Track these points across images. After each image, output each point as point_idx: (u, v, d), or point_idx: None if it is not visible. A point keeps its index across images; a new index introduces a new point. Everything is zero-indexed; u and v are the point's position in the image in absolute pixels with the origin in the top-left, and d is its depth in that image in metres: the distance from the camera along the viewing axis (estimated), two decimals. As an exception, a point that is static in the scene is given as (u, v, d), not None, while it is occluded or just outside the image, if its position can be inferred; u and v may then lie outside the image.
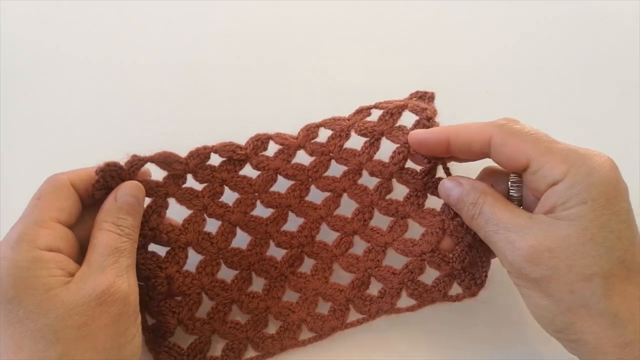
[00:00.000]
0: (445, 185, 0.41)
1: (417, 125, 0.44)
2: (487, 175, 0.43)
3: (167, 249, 0.41)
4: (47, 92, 0.51)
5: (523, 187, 0.39)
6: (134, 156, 0.39)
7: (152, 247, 0.40)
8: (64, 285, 0.33)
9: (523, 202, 0.40)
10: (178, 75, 0.52)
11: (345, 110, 0.46)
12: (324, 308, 0.44)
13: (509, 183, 0.40)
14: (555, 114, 0.53)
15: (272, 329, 0.43)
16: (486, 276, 0.42)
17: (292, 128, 0.45)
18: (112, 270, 0.35)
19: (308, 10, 0.54)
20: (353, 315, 0.44)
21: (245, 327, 0.42)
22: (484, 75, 0.48)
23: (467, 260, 0.42)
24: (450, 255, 0.43)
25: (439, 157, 0.43)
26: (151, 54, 0.52)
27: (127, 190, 0.38)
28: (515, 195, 0.40)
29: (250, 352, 0.43)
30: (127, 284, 0.35)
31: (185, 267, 0.41)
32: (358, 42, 0.48)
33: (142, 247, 0.39)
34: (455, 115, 0.43)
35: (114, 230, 0.36)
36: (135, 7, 0.54)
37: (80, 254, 0.37)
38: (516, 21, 0.55)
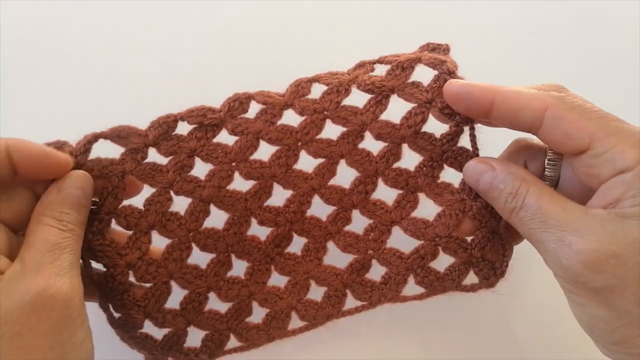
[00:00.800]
0: (474, 167, 0.35)
1: (437, 80, 0.36)
2: (520, 150, 0.36)
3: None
4: (47, 92, 0.49)
5: (561, 167, 0.33)
6: (85, 135, 0.34)
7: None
8: None
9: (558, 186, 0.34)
10: (178, 75, 0.50)
11: None
12: (316, 294, 0.39)
13: (546, 160, 0.34)
14: None
15: (257, 317, 0.38)
16: (507, 266, 0.36)
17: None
18: (51, 269, 0.30)
19: (308, 10, 0.53)
20: (350, 302, 0.39)
21: (225, 317, 0.37)
22: (484, 75, 0.39)
23: (488, 248, 0.36)
24: (469, 241, 0.36)
25: (472, 119, 0.35)
26: (151, 54, 0.51)
27: (73, 181, 0.33)
28: (550, 175, 0.34)
29: (235, 342, 0.38)
30: (70, 284, 0.30)
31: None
32: (358, 42, 0.44)
33: (98, 233, 0.34)
34: None
35: (55, 225, 0.31)
36: (135, 7, 0.52)
37: (9, 244, 0.32)
38: (516, 21, 0.54)
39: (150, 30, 0.52)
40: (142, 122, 0.40)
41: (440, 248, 0.37)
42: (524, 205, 0.32)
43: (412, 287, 0.38)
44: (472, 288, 0.37)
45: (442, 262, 0.38)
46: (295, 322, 0.39)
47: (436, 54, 0.37)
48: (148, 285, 0.36)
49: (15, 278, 0.29)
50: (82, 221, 0.33)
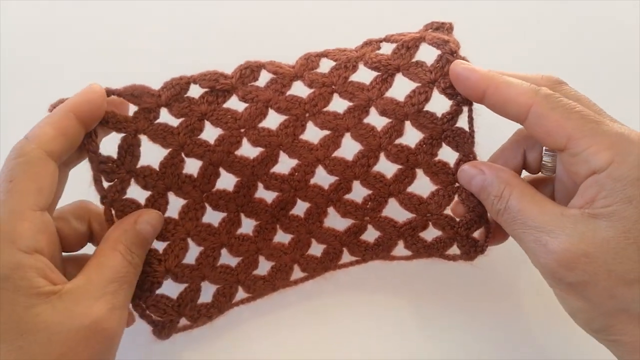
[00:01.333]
0: (467, 171, 0.38)
1: (439, 60, 0.37)
2: (520, 140, 0.38)
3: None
4: (47, 92, 0.46)
5: (557, 156, 0.36)
6: (106, 89, 0.35)
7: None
8: (47, 300, 0.29)
9: (557, 176, 0.36)
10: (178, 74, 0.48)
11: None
12: (316, 251, 0.43)
13: (544, 149, 0.37)
14: None
15: (262, 270, 0.42)
16: (487, 246, 0.40)
17: None
18: (110, 301, 0.31)
19: (308, 10, 0.54)
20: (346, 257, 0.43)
21: (236, 270, 0.41)
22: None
23: (473, 229, 0.39)
24: (458, 220, 0.40)
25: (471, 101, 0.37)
26: (151, 54, 0.52)
27: (148, 217, 0.35)
28: (548, 163, 0.36)
29: (241, 296, 0.43)
30: (118, 322, 0.31)
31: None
32: (359, 42, 0.40)
33: (119, 194, 0.37)
34: None
35: (126, 257, 0.33)
36: (136, 7, 0.53)
37: (58, 245, 0.33)
38: (516, 21, 0.55)
39: (150, 31, 0.53)
40: None
41: (430, 223, 0.40)
42: (507, 207, 0.34)
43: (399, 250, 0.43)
44: (454, 258, 0.41)
45: (430, 231, 0.41)
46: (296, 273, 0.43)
47: (440, 33, 0.37)
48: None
49: (76, 296, 0.30)
50: (143, 259, 0.35)
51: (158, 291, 0.38)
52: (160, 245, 0.38)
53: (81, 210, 0.37)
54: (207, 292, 0.41)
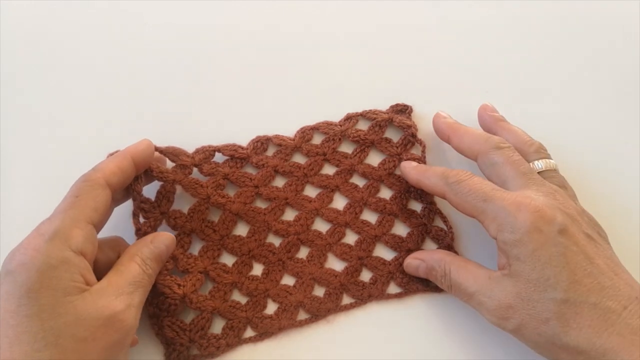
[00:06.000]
0: (411, 264, 0.46)
1: (403, 140, 0.51)
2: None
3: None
4: (48, 92, 0.52)
5: None
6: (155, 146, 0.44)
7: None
8: (80, 293, 0.34)
9: None
10: (179, 76, 0.53)
11: (345, 109, 0.52)
12: (319, 293, 0.47)
13: None
14: (556, 114, 0.53)
15: (270, 310, 0.46)
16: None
17: (294, 128, 0.51)
18: (127, 299, 0.36)
19: (309, 10, 0.56)
20: (346, 300, 0.47)
21: (245, 307, 0.45)
22: (484, 75, 0.49)
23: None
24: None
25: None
26: (152, 55, 0.53)
27: (163, 239, 0.41)
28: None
29: (249, 334, 0.45)
30: (134, 318, 0.36)
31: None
32: (359, 42, 0.50)
33: (151, 229, 0.44)
34: (455, 115, 0.48)
35: (141, 266, 0.38)
36: (136, 7, 0.55)
37: (94, 257, 0.38)
38: (517, 21, 0.56)
39: (150, 31, 0.54)
40: (142, 122, 0.49)
41: None
42: (451, 284, 0.43)
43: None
44: (436, 289, 0.47)
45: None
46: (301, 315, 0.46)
47: (404, 116, 0.52)
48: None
49: (100, 293, 0.35)
50: (157, 271, 0.41)
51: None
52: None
53: (114, 243, 0.42)
54: (218, 328, 0.44)
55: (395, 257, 0.48)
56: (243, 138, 0.50)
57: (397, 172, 0.51)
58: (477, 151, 0.44)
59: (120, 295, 0.36)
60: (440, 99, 0.49)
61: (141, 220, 0.43)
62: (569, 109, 0.54)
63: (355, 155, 0.51)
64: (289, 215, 0.49)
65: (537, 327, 0.37)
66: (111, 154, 0.44)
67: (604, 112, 0.53)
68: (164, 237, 0.41)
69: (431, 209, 0.49)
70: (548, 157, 0.45)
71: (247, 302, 0.45)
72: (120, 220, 0.45)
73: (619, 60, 0.55)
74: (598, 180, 0.50)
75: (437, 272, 0.44)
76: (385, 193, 0.51)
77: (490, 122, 0.48)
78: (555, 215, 0.38)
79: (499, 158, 0.42)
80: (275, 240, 0.48)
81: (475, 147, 0.44)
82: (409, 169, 0.48)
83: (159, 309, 0.42)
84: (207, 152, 0.48)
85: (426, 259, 0.45)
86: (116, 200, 0.43)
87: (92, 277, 0.36)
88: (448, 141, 0.47)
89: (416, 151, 0.51)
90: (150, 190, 0.45)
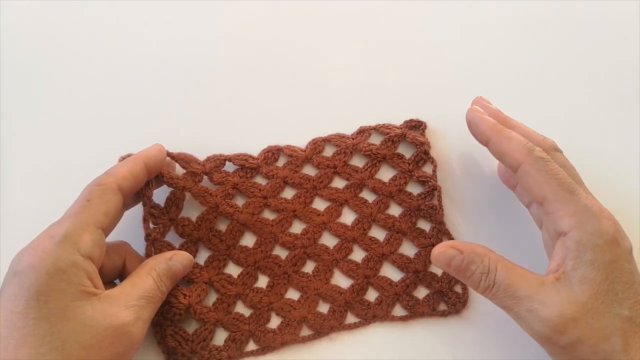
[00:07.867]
0: (443, 254, 0.40)
1: (415, 157, 0.50)
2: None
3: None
4: (47, 92, 0.52)
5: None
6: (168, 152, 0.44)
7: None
8: (89, 298, 0.34)
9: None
10: (179, 77, 0.53)
11: (345, 111, 0.52)
12: (323, 309, 0.47)
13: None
14: (556, 114, 0.53)
15: (273, 324, 0.45)
16: (468, 295, 0.47)
17: (294, 129, 0.51)
18: (136, 312, 0.36)
19: (309, 11, 0.55)
20: (350, 319, 0.47)
21: (248, 320, 0.45)
22: (484, 75, 0.49)
23: (453, 282, 0.47)
24: (439, 276, 0.48)
25: (438, 186, 0.49)
26: (152, 55, 0.53)
27: (182, 258, 0.41)
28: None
29: (251, 347, 0.45)
30: (140, 332, 0.36)
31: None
32: (359, 42, 0.50)
33: (160, 235, 0.43)
34: (455, 116, 0.47)
35: (156, 281, 0.38)
36: (136, 8, 0.54)
37: (101, 262, 0.38)
38: (517, 21, 0.55)
39: (151, 31, 0.53)
40: (142, 122, 0.49)
41: (419, 279, 0.48)
42: (495, 283, 0.37)
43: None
44: (443, 313, 0.47)
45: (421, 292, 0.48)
46: (304, 331, 0.46)
47: (417, 133, 0.50)
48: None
49: (110, 302, 0.35)
50: (169, 290, 0.40)
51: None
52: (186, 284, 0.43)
53: (120, 248, 0.42)
54: (221, 339, 0.44)
55: (402, 278, 0.48)
56: (255, 147, 0.49)
57: (408, 189, 0.50)
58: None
59: (131, 307, 0.36)
60: (441, 98, 0.48)
61: (151, 225, 0.43)
62: (569, 109, 0.53)
63: (366, 170, 0.50)
64: (297, 227, 0.48)
65: (597, 345, 0.35)
66: (123, 158, 0.43)
67: (604, 112, 0.53)
68: (182, 257, 0.41)
69: (440, 229, 0.49)
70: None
71: (251, 315, 0.45)
72: (127, 224, 0.44)
73: (619, 61, 0.54)
74: (598, 180, 0.48)
75: (477, 268, 0.38)
76: (395, 210, 0.50)
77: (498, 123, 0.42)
78: (625, 234, 0.38)
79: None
80: (281, 253, 0.48)
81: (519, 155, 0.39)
82: (482, 119, 0.41)
83: (163, 317, 0.42)
84: (217, 161, 0.48)
85: (466, 251, 0.39)
86: (126, 205, 0.42)
87: (99, 282, 0.36)
88: (486, 143, 0.42)
89: (427, 169, 0.50)
90: (159, 195, 0.45)
